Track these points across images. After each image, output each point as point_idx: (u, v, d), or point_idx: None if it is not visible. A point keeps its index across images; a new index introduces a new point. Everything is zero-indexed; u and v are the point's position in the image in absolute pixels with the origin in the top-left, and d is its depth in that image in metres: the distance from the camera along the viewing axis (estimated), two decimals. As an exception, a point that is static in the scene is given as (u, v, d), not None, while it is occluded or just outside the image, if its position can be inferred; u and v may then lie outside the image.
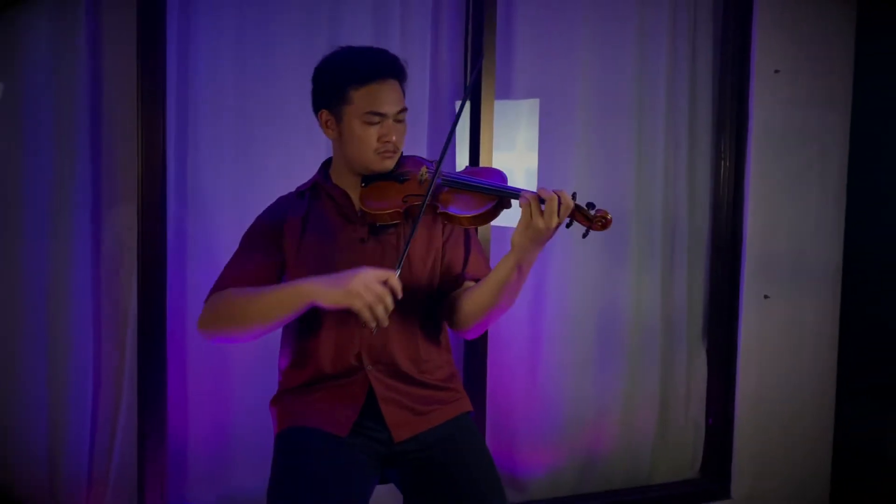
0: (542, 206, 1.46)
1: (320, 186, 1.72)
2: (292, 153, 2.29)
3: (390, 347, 1.64)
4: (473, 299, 1.63)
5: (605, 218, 1.48)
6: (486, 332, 2.45)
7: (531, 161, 2.56)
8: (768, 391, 2.88)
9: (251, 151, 2.29)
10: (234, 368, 2.27)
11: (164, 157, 2.13)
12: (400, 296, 1.47)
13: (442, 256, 1.72)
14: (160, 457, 2.12)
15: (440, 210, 1.58)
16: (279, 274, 1.65)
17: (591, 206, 1.50)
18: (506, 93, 2.58)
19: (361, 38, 2.36)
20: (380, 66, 1.63)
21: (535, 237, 1.48)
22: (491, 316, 1.63)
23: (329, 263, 1.60)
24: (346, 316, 1.57)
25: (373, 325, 1.45)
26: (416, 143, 2.48)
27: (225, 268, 1.67)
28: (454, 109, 2.53)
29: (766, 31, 2.79)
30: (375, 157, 1.64)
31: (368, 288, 1.44)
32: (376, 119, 1.61)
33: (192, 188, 2.26)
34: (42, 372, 2.14)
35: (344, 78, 1.61)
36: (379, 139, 1.62)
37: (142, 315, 2.10)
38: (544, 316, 2.68)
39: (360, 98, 1.60)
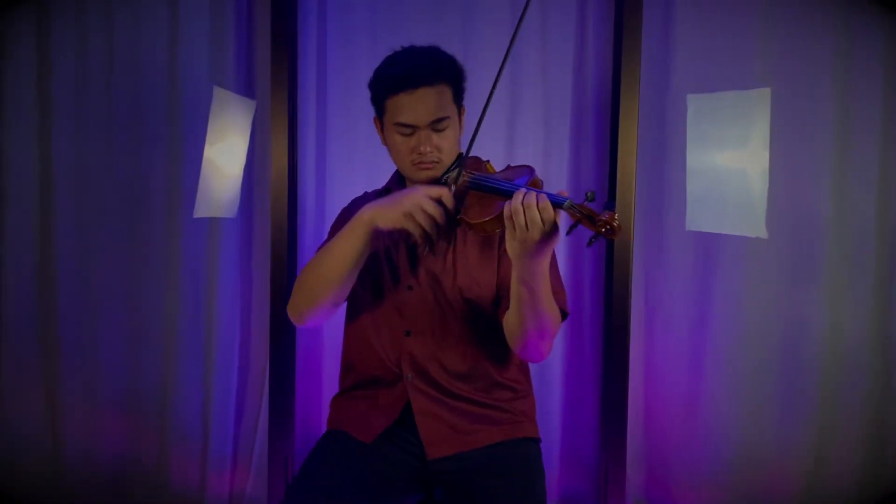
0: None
1: (392, 188, 1.70)
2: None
3: (434, 358, 1.56)
4: (508, 319, 1.50)
5: (611, 223, 1.22)
6: (626, 354, 2.22)
7: (759, 160, 2.24)
8: None
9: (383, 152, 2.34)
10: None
11: (294, 158, 2.28)
12: (453, 210, 1.41)
13: (498, 268, 1.59)
14: (286, 446, 2.25)
15: (459, 216, 1.44)
16: None
17: (610, 206, 1.28)
18: (661, 91, 2.32)
19: (497, 34, 2.31)
20: (410, 74, 1.51)
21: (521, 248, 1.29)
22: (527, 338, 1.45)
23: (384, 263, 1.60)
24: (391, 321, 1.57)
25: (426, 243, 1.42)
26: (558, 147, 2.36)
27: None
28: (599, 110, 2.34)
29: None
30: (413, 169, 1.56)
31: (420, 207, 1.39)
32: (406, 130, 1.53)
33: (329, 189, 2.40)
34: (198, 371, 2.41)
35: (379, 87, 1.57)
36: (412, 151, 1.54)
37: (273, 313, 2.25)
38: (708, 340, 2.34)
39: (391, 108, 1.54)
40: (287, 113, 2.23)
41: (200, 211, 2.23)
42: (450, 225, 1.48)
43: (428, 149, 1.53)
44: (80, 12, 2.39)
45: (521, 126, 2.36)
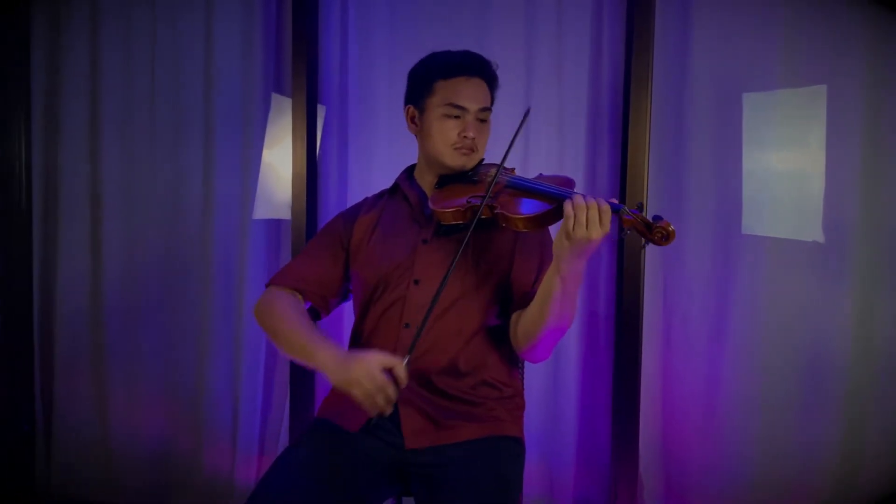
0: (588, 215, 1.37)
1: (400, 187, 1.76)
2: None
3: (427, 353, 1.58)
4: (525, 316, 1.54)
5: (667, 230, 1.35)
6: (638, 362, 2.24)
7: (812, 162, 2.22)
8: None
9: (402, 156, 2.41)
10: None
11: (313, 162, 2.40)
12: (405, 385, 1.41)
13: (510, 268, 1.63)
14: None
15: (497, 210, 1.51)
16: (340, 276, 1.72)
17: (657, 218, 1.37)
18: (678, 93, 2.30)
19: (511, 34, 2.36)
20: (467, 63, 1.64)
21: (574, 247, 1.37)
22: (542, 337, 1.50)
23: (390, 263, 1.63)
24: (393, 313, 1.61)
25: (374, 414, 1.40)
26: (573, 149, 2.38)
27: (294, 258, 1.77)
28: (613, 113, 2.34)
29: None
30: (452, 153, 1.63)
31: (370, 377, 1.38)
32: (456, 112, 1.61)
33: (350, 190, 2.49)
34: (229, 367, 2.57)
35: (432, 72, 1.65)
36: (459, 133, 1.62)
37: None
38: (728, 346, 2.29)
39: (443, 90, 1.62)
40: (306, 122, 2.34)
41: (261, 213, 2.39)
42: (470, 217, 1.54)
43: (472, 134, 1.62)
44: (128, 28, 2.58)
45: (535, 129, 2.38)
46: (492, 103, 1.68)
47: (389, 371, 1.40)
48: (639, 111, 2.18)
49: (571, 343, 2.38)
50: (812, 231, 2.25)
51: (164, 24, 2.57)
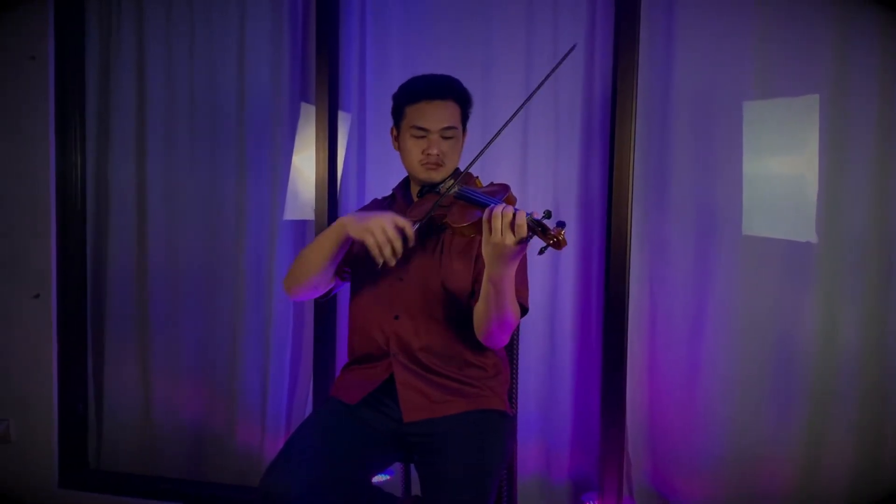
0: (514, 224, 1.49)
1: (397, 193, 2.02)
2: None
3: (416, 340, 1.82)
4: (477, 310, 1.75)
5: (558, 237, 1.45)
6: (624, 350, 2.44)
7: (804, 167, 2.40)
8: None
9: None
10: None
11: (334, 168, 2.64)
12: (412, 243, 1.65)
13: (473, 267, 1.85)
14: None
15: (445, 220, 1.71)
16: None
17: (561, 224, 1.46)
18: (662, 101, 2.51)
19: (512, 38, 2.57)
20: (430, 88, 1.84)
21: (495, 252, 1.54)
22: (491, 328, 1.71)
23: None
24: (383, 307, 1.86)
25: (380, 260, 1.63)
26: (569, 151, 2.58)
27: None
28: (605, 119, 2.55)
29: None
30: (420, 168, 1.86)
31: (382, 229, 1.63)
32: (420, 133, 1.82)
33: (368, 191, 2.74)
34: (259, 351, 2.84)
35: (402, 98, 1.88)
36: (423, 151, 1.84)
37: (317, 302, 2.66)
38: (707, 337, 2.49)
39: (410, 114, 1.84)
40: (327, 129, 2.60)
41: (289, 214, 2.65)
42: (436, 230, 1.78)
43: (435, 151, 1.82)
44: (169, 40, 2.89)
45: (534, 132, 2.59)
46: (463, 120, 1.88)
47: (400, 229, 1.63)
48: (623, 116, 2.37)
49: (567, 333, 2.60)
50: (802, 232, 2.41)
51: (200, 58, 2.87)
